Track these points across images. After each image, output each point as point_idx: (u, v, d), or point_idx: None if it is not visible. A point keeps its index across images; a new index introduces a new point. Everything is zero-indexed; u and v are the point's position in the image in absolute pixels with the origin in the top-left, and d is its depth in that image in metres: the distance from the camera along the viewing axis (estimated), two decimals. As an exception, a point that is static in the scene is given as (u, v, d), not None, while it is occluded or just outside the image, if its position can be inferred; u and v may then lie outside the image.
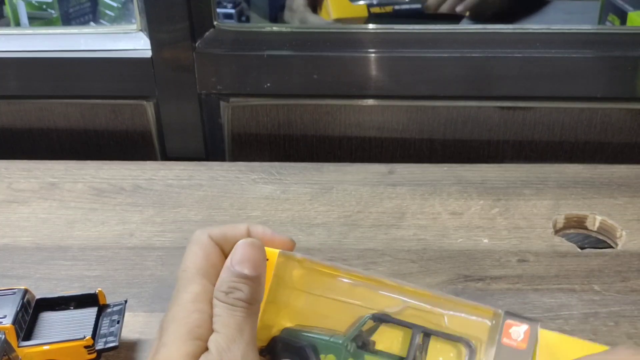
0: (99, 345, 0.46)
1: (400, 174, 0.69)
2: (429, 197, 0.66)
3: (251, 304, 0.33)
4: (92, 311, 0.48)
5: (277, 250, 0.36)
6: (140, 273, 0.57)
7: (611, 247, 0.61)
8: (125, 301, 0.49)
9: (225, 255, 0.35)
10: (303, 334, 0.35)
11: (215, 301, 0.33)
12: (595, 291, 0.54)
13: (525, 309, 0.52)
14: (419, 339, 0.34)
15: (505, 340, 0.33)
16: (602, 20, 0.96)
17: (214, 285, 0.34)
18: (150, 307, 0.53)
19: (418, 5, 1.06)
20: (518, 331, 0.33)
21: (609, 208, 0.64)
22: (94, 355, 0.46)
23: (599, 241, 0.62)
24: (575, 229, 0.63)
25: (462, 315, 0.35)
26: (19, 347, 0.44)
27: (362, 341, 0.35)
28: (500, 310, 0.34)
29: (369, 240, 0.60)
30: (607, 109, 0.76)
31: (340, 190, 0.67)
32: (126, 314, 0.48)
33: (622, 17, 0.90)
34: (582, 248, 0.59)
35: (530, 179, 0.68)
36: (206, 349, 0.32)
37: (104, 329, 0.47)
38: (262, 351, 0.35)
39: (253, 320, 0.33)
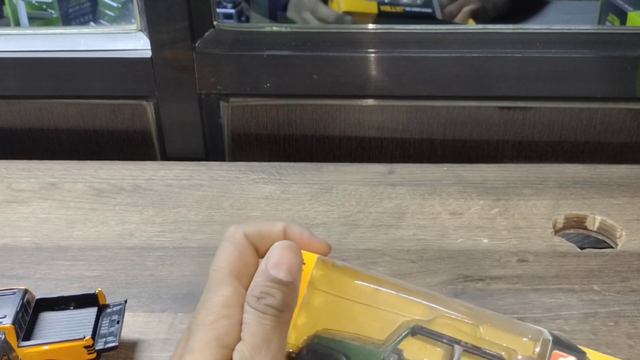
0: (99, 345, 0.46)
1: (400, 174, 0.69)
2: (428, 197, 0.66)
3: (282, 311, 0.32)
4: (92, 311, 0.48)
5: (316, 255, 0.35)
6: (140, 273, 0.57)
7: (611, 247, 0.61)
8: (125, 301, 0.49)
9: (259, 255, 0.34)
10: (335, 342, 0.34)
11: (246, 306, 0.32)
12: (595, 291, 0.54)
13: (525, 309, 0.52)
14: (459, 356, 0.33)
15: None
16: (602, 20, 0.96)
17: (246, 287, 0.33)
18: (150, 307, 0.53)
19: (429, 10, 1.05)
20: None
21: (608, 208, 0.64)
22: (93, 355, 0.46)
23: (598, 241, 0.62)
24: (575, 229, 0.63)
25: (498, 328, 0.34)
26: (18, 347, 0.44)
27: (397, 354, 0.34)
28: (547, 335, 0.33)
29: (368, 240, 0.60)
30: (607, 109, 0.76)
31: (340, 190, 0.67)
32: (126, 314, 0.49)
33: (622, 17, 0.90)
34: (582, 248, 0.59)
35: (530, 179, 0.68)
36: (232, 358, 0.31)
37: (103, 329, 0.47)
38: None
39: (282, 331, 0.32)
